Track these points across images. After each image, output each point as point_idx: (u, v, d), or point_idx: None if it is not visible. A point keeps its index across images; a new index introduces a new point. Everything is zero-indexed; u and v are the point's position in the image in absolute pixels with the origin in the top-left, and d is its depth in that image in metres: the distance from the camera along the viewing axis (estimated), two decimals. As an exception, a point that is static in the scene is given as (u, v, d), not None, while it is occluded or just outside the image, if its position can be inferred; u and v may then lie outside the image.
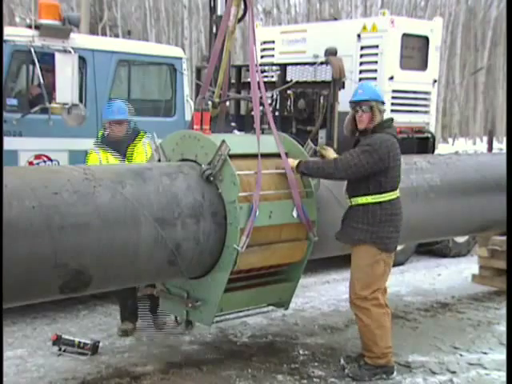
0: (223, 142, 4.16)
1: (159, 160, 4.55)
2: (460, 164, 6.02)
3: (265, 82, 5.51)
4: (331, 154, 4.76)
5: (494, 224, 6.25)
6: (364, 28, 8.22)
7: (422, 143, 8.52)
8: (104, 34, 29.07)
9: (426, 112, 8.63)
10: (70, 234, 3.49)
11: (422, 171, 5.54)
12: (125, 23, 32.73)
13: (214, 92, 5.18)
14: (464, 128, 39.32)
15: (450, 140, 34.18)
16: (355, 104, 4.61)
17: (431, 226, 5.66)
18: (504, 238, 6.68)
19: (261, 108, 4.78)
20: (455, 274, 8.04)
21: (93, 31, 25.39)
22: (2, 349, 4.46)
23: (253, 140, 4.47)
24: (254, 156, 4.36)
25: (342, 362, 4.76)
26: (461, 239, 9.04)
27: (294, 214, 4.46)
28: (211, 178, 4.18)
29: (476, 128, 38.33)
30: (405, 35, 8.16)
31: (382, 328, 4.57)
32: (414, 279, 7.69)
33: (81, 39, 6.50)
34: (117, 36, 28.21)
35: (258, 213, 4.15)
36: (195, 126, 4.59)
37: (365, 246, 4.52)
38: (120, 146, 5.42)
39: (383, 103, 4.66)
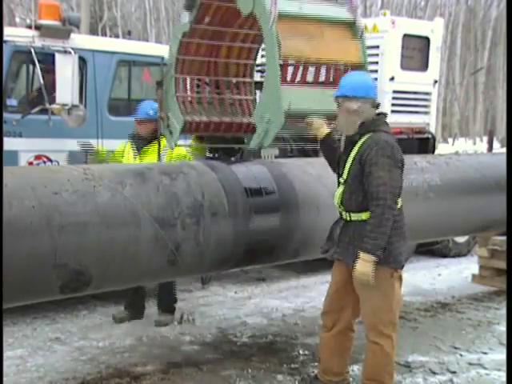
0: None
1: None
2: (460, 164, 6.01)
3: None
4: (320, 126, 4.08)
5: (494, 224, 6.24)
6: (364, 28, 8.22)
7: (423, 144, 8.51)
8: (104, 34, 29.13)
9: (426, 113, 8.62)
10: (70, 234, 3.49)
11: (422, 171, 5.53)
12: (125, 23, 32.80)
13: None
14: (464, 128, 39.35)
15: (450, 140, 34.21)
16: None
17: (431, 225, 5.65)
18: (504, 238, 6.68)
19: None
20: (455, 274, 8.04)
21: (93, 31, 25.42)
22: (2, 349, 4.46)
23: None
24: None
25: None
26: (461, 239, 9.03)
27: None
28: None
29: (476, 128, 38.37)
30: (405, 36, 8.15)
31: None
32: (413, 279, 7.67)
33: (81, 39, 6.50)
34: (117, 36, 28.24)
35: None
36: None
37: (378, 266, 3.80)
38: (140, 143, 5.57)
39: (356, 98, 3.79)
